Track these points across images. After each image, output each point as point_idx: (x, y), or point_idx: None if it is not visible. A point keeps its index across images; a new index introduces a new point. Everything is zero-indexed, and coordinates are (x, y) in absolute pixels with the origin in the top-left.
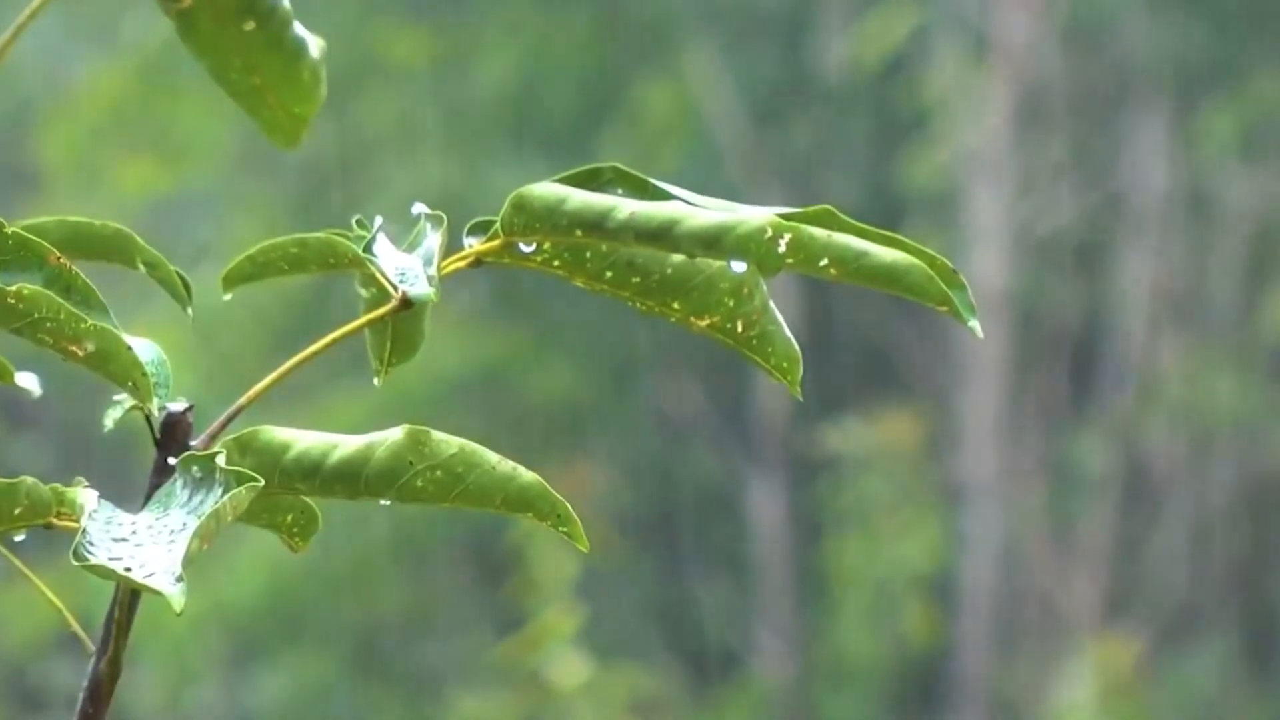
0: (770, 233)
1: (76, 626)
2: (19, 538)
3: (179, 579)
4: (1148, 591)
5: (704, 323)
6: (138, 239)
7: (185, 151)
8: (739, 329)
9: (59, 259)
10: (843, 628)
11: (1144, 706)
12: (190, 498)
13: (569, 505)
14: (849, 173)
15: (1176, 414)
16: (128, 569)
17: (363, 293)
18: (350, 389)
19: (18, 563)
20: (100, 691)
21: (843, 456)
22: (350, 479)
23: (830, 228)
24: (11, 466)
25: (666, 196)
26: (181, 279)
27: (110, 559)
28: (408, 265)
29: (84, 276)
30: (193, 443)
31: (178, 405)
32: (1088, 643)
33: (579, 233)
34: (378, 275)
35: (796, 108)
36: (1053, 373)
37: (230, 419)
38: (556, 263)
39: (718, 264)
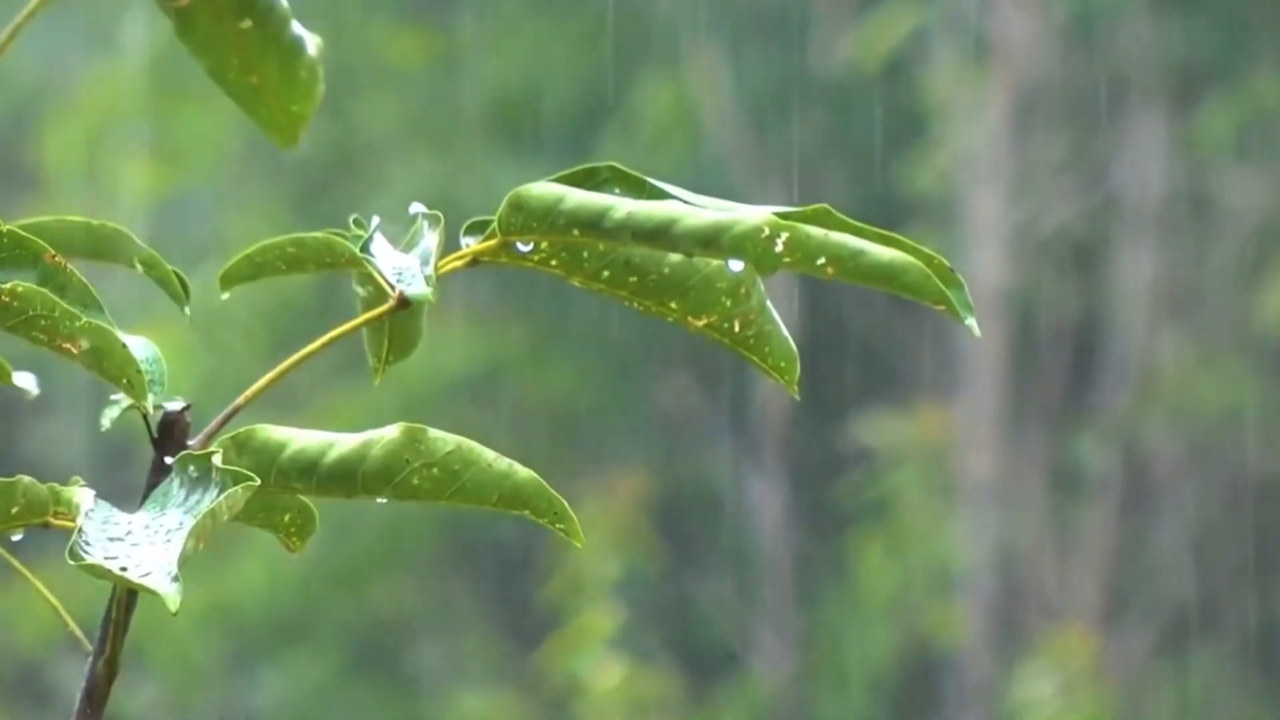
0: (767, 232)
1: (74, 627)
2: (16, 537)
3: (175, 578)
4: (1148, 591)
5: (701, 322)
6: (134, 238)
7: (185, 151)
8: (736, 328)
9: (54, 257)
10: (854, 627)
11: (1103, 698)
12: (187, 497)
13: (565, 502)
14: (848, 173)
15: (1176, 413)
16: (123, 568)
17: (360, 292)
18: (350, 389)
19: (15, 563)
20: (98, 692)
21: (851, 453)
22: (346, 477)
23: (827, 226)
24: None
25: (664, 196)
26: (179, 278)
27: (106, 558)
28: (405, 265)
29: (79, 274)
30: (190, 442)
31: (175, 405)
32: (1043, 637)
33: (576, 232)
34: (375, 275)
35: (796, 108)
36: (1052, 372)
37: (228, 418)
38: (554, 262)
39: (715, 263)
